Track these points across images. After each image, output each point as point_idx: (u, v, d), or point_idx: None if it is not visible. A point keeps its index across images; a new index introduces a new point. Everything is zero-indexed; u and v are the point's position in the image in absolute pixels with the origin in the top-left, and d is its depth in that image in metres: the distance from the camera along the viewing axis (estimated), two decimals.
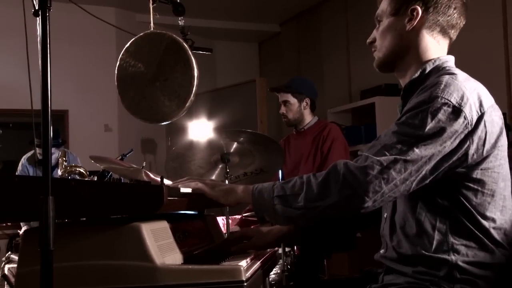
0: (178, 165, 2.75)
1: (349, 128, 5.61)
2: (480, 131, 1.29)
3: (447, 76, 1.33)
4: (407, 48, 1.45)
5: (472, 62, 3.84)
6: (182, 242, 1.42)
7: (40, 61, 1.13)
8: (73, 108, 6.58)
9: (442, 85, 1.29)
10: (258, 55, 8.22)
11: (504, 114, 1.18)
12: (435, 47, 1.45)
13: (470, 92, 1.30)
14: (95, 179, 2.09)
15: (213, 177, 2.78)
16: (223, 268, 1.24)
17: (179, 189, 1.36)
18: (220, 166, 2.75)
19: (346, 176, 1.28)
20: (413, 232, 1.36)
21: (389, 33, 1.47)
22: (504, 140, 1.36)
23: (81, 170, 2.85)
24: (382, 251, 1.49)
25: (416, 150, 1.26)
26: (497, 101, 1.39)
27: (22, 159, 5.32)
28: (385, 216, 1.49)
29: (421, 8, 1.42)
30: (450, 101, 1.27)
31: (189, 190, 1.43)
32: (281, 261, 2.43)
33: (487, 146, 1.31)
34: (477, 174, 1.32)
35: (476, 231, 1.32)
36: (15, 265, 3.27)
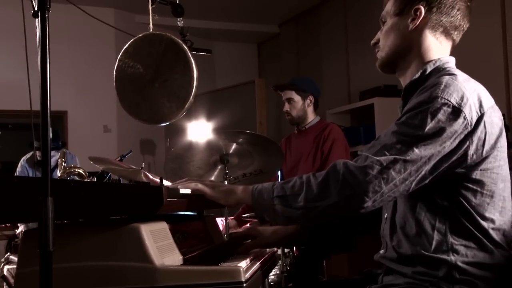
0: (177, 166, 2.75)
1: (348, 129, 5.60)
2: (479, 132, 1.29)
3: (447, 77, 1.33)
4: (409, 47, 1.45)
5: (471, 63, 3.83)
6: (182, 243, 1.42)
7: (39, 62, 1.13)
8: (72, 109, 6.58)
9: (442, 86, 1.29)
10: (257, 56, 8.22)
11: (503, 115, 1.19)
12: (437, 47, 1.45)
13: (470, 93, 1.30)
14: (94, 180, 2.09)
15: (212, 178, 2.78)
16: (222, 269, 1.24)
17: (178, 190, 1.36)
18: (219, 167, 2.75)
19: (345, 176, 1.28)
20: (413, 232, 1.36)
21: (392, 33, 1.47)
22: (503, 141, 1.37)
23: (80, 171, 2.85)
24: (382, 251, 1.49)
25: (416, 150, 1.26)
26: (496, 102, 1.39)
27: (22, 160, 5.32)
28: (385, 216, 1.49)
29: (424, 8, 1.42)
30: (450, 101, 1.27)
31: (188, 191, 1.43)
32: (280, 262, 2.42)
33: (487, 147, 1.31)
34: (476, 174, 1.32)
35: (476, 232, 1.32)
36: (14, 266, 3.27)
